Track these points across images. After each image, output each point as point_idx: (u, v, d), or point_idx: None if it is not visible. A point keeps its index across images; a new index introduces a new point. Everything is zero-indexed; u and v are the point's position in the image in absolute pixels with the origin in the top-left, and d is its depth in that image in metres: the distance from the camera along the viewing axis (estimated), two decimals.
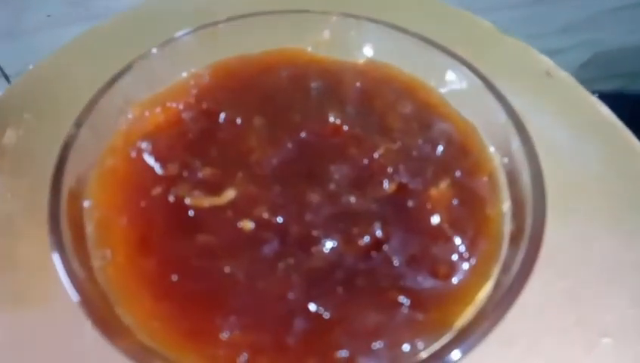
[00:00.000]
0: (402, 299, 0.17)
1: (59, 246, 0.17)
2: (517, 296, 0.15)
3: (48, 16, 0.65)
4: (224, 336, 0.16)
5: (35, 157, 0.31)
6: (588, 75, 0.79)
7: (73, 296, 0.16)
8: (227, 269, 0.17)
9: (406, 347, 0.15)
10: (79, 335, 0.23)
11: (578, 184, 0.30)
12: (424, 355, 0.15)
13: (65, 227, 0.17)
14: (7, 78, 0.74)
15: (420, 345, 0.15)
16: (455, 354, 0.14)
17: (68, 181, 0.18)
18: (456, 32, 0.32)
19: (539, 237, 0.16)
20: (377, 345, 0.15)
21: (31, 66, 0.35)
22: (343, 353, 0.15)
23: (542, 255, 0.25)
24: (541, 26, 0.71)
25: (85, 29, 0.38)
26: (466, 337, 0.15)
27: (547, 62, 0.33)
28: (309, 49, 0.24)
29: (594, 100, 0.32)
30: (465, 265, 0.17)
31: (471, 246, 0.18)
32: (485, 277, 0.17)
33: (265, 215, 0.18)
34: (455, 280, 0.17)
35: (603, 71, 0.79)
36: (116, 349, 0.14)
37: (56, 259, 0.16)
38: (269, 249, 0.17)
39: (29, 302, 0.25)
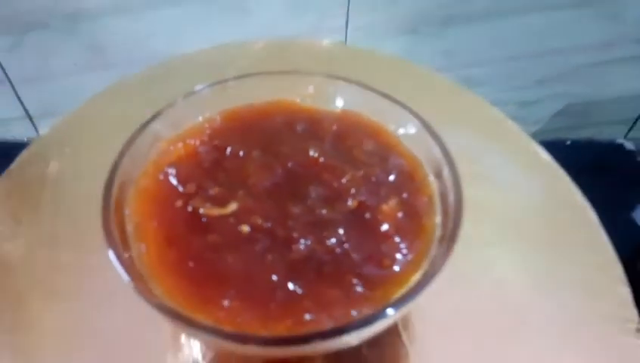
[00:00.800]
0: (356, 281, 0.23)
1: (112, 241, 0.23)
2: (432, 279, 0.21)
3: (75, 64, 0.73)
4: (225, 303, 0.22)
5: (73, 184, 0.37)
6: (561, 124, 0.87)
7: (124, 277, 0.22)
8: (229, 259, 0.23)
9: (354, 312, 0.21)
10: (112, 315, 0.29)
11: (521, 213, 0.36)
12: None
13: (114, 228, 0.23)
14: (31, 119, 0.81)
15: (366, 311, 0.21)
16: (390, 311, 0.20)
17: (115, 194, 0.25)
18: (420, 88, 0.40)
19: (454, 240, 0.23)
20: (335, 311, 0.22)
21: (75, 107, 0.42)
22: (310, 316, 0.21)
23: (487, 266, 0.32)
24: (517, 79, 0.79)
25: (106, 76, 0.45)
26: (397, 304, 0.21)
27: (497, 113, 0.40)
28: (298, 100, 0.31)
29: (536, 146, 0.39)
30: (404, 259, 0.24)
31: (410, 247, 0.24)
32: (417, 268, 0.23)
33: (259, 222, 0.24)
34: (396, 268, 0.23)
35: (575, 121, 0.86)
36: (153, 307, 0.20)
37: (110, 252, 0.22)
38: (260, 246, 0.24)
39: (72, 295, 0.31)
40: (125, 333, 0.28)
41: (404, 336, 0.28)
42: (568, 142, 0.89)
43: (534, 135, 0.40)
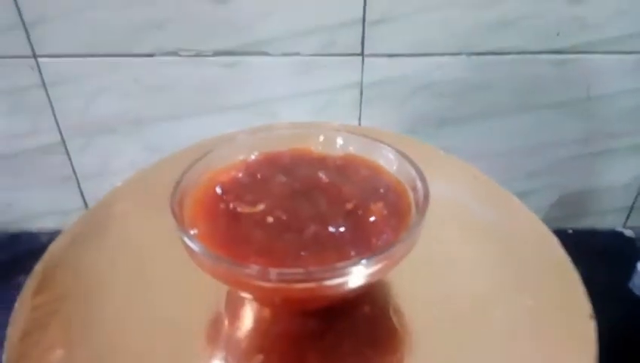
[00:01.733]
0: (351, 251, 0.31)
1: (182, 227, 0.32)
2: (395, 246, 0.30)
3: (131, 162, 0.86)
4: (252, 260, 0.30)
5: (139, 218, 0.47)
6: (558, 213, 0.94)
7: (195, 247, 0.30)
8: (257, 236, 0.32)
9: None
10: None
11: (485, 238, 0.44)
12: None
13: (180, 218, 0.33)
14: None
15: None
16: (364, 261, 0.28)
17: (177, 200, 0.34)
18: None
19: (418, 230, 0.31)
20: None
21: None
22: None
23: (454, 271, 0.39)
24: (509, 173, 0.88)
25: None
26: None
27: (473, 169, 0.50)
28: (312, 147, 0.42)
29: (507, 193, 0.47)
30: (386, 239, 0.32)
31: (391, 232, 0.32)
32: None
33: (279, 215, 0.33)
34: (379, 243, 0.31)
35: (573, 210, 0.93)
36: (209, 258, 0.29)
37: (182, 234, 0.31)
38: (280, 229, 0.33)
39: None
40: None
41: (394, 319, 0.35)
42: (570, 231, 0.95)
43: None
